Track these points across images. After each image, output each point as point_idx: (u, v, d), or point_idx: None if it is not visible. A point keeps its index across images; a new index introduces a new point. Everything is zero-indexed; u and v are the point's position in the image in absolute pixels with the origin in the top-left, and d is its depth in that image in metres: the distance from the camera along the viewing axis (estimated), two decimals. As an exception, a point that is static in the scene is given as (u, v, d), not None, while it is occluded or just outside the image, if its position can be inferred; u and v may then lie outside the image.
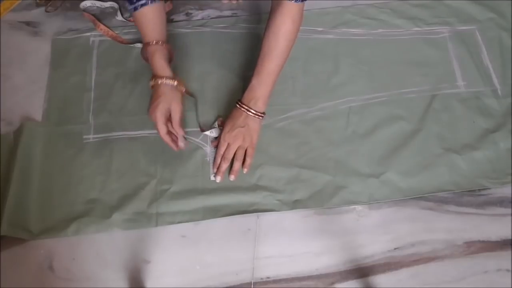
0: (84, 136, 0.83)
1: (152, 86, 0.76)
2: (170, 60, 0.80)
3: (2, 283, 0.72)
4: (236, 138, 0.78)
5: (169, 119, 0.75)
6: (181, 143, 0.76)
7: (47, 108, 0.87)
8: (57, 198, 0.78)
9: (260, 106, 0.79)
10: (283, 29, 0.75)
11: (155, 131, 0.83)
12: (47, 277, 0.72)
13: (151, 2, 0.76)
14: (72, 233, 0.75)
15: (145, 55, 0.79)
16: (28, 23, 0.98)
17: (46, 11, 1.00)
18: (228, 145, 0.79)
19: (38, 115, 0.86)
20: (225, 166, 0.79)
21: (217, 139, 0.82)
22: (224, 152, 0.79)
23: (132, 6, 0.76)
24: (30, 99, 0.88)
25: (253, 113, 0.78)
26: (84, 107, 0.87)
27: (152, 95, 0.76)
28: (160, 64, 0.76)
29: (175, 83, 0.75)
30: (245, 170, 0.80)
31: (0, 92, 0.89)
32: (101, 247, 0.75)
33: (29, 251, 0.74)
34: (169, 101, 0.74)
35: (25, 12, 1.00)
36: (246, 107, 0.78)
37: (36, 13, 0.99)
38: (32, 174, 0.79)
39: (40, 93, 0.88)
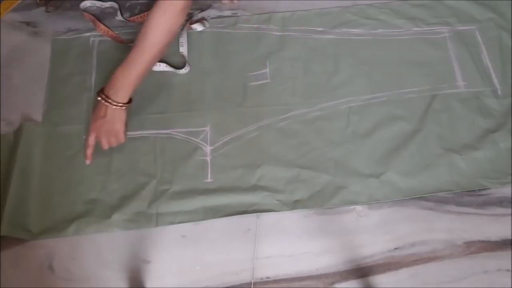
0: (84, 136, 0.83)
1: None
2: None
3: (2, 283, 0.72)
4: (100, 130, 0.77)
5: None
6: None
7: (47, 108, 0.87)
8: (57, 198, 0.78)
9: (121, 96, 0.76)
10: (151, 22, 0.75)
11: (155, 131, 0.84)
12: (47, 277, 0.72)
13: None
14: (72, 233, 0.75)
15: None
16: (28, 23, 0.98)
17: (46, 11, 0.99)
18: (96, 136, 0.78)
19: (38, 115, 0.86)
20: (89, 151, 0.79)
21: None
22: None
23: None
24: (30, 99, 0.88)
25: (113, 104, 0.76)
26: (84, 107, 0.87)
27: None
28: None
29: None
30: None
31: (0, 92, 0.89)
32: (101, 247, 0.75)
33: (29, 251, 0.74)
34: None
35: (25, 12, 0.99)
36: (106, 98, 0.76)
37: (36, 13, 0.99)
38: (32, 174, 0.79)
39: (40, 93, 0.88)
